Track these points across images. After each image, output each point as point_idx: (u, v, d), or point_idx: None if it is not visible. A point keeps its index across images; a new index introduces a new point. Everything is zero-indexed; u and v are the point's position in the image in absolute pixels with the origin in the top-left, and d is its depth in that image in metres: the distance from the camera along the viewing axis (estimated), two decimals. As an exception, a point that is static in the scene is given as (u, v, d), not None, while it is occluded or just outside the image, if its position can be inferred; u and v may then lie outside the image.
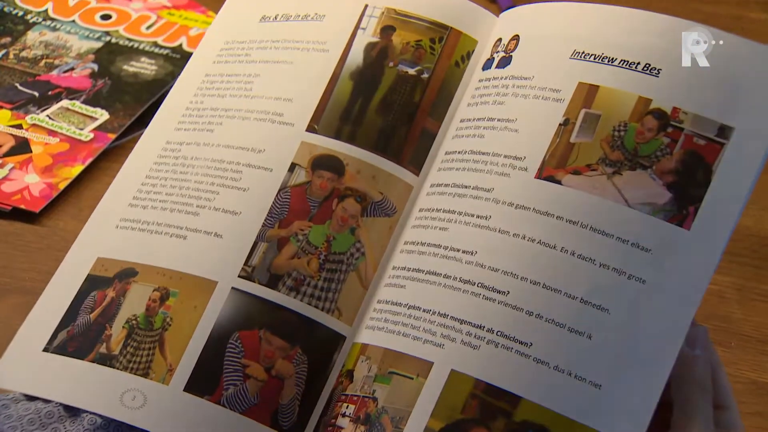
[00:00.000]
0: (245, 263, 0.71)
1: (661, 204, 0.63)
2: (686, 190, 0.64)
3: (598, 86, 0.67)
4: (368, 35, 0.76)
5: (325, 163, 0.73)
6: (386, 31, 0.76)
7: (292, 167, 0.73)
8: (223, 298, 0.70)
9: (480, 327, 0.63)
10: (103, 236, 0.75)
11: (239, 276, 0.71)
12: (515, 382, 0.61)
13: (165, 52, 1.16)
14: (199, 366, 0.69)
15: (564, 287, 0.62)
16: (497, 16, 0.76)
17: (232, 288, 0.71)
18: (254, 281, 0.71)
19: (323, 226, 0.72)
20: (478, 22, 0.76)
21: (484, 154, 0.68)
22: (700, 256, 0.62)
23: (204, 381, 0.69)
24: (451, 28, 0.76)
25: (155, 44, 1.17)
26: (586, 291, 0.62)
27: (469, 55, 0.75)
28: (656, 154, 0.65)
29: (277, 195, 0.73)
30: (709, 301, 0.95)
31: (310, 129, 0.74)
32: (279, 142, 0.74)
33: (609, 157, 0.65)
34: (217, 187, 0.74)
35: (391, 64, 0.75)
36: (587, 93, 0.67)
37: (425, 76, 0.75)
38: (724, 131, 0.64)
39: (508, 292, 0.63)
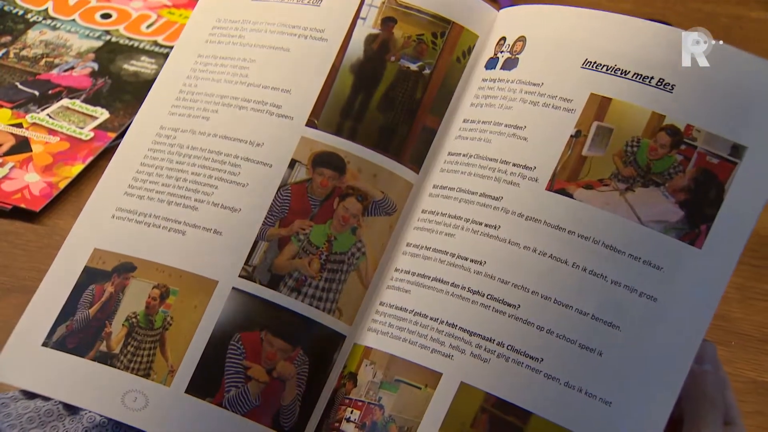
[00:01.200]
0: (246, 263, 0.70)
1: (673, 222, 0.63)
2: (698, 208, 0.63)
3: (610, 99, 0.65)
4: (368, 26, 0.74)
5: (326, 160, 0.71)
6: (387, 22, 0.74)
7: (292, 163, 0.72)
8: (223, 299, 0.69)
9: (490, 340, 0.62)
10: (99, 226, 0.73)
11: (240, 276, 0.69)
12: (526, 398, 0.60)
13: (165, 51, 1.16)
14: (200, 367, 0.68)
15: (575, 303, 0.62)
16: (497, 11, 0.75)
17: (233, 288, 0.69)
18: (255, 281, 0.69)
19: (324, 226, 0.70)
20: (480, 17, 0.74)
21: (491, 160, 0.67)
22: (711, 274, 0.62)
23: (205, 383, 0.68)
24: (453, 22, 0.74)
25: (155, 43, 1.17)
26: (597, 307, 0.61)
27: (470, 50, 0.73)
28: (669, 171, 0.64)
29: (277, 192, 0.71)
30: None
31: (310, 124, 0.73)
32: (278, 137, 0.72)
33: (622, 173, 0.64)
34: (216, 181, 0.72)
35: (392, 58, 0.74)
36: (599, 105, 0.66)
37: (427, 72, 0.73)
38: (737, 150, 0.63)
39: (519, 305, 0.62)
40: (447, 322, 0.64)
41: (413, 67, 0.74)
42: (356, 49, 0.74)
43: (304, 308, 0.69)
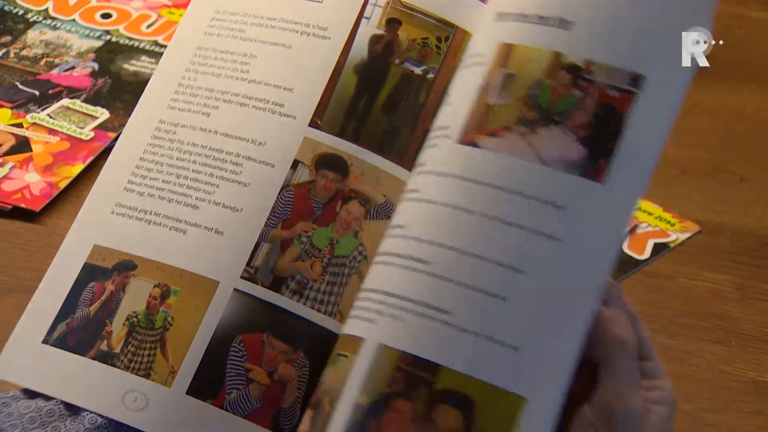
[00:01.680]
0: (248, 264, 0.69)
1: (575, 159, 0.61)
2: (599, 142, 0.61)
3: (514, 45, 0.64)
4: (373, 26, 0.73)
5: (330, 162, 0.70)
6: (392, 24, 0.73)
7: (295, 164, 0.71)
8: (225, 300, 0.68)
9: (406, 299, 0.61)
10: (99, 222, 0.72)
11: (242, 277, 0.69)
12: (436, 352, 0.59)
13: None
14: (201, 369, 0.67)
15: (481, 252, 0.60)
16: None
17: (234, 289, 0.69)
18: (257, 283, 0.69)
19: (327, 229, 0.70)
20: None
21: (429, 131, 0.66)
22: (613, 209, 0.60)
23: (207, 384, 0.67)
24: (457, 27, 0.73)
25: (155, 43, 1.17)
26: (502, 253, 0.60)
27: (473, 54, 0.73)
28: (570, 110, 0.62)
29: (279, 193, 0.70)
30: (709, 300, 0.96)
31: (313, 124, 0.71)
32: (280, 136, 0.71)
33: (525, 117, 0.62)
34: (217, 180, 0.71)
35: (396, 61, 0.73)
36: (505, 53, 0.64)
37: (431, 76, 0.73)
38: (636, 81, 0.61)
39: (431, 261, 0.61)
40: (373, 288, 0.63)
41: (417, 70, 0.73)
42: (360, 49, 0.73)
43: (305, 311, 0.68)
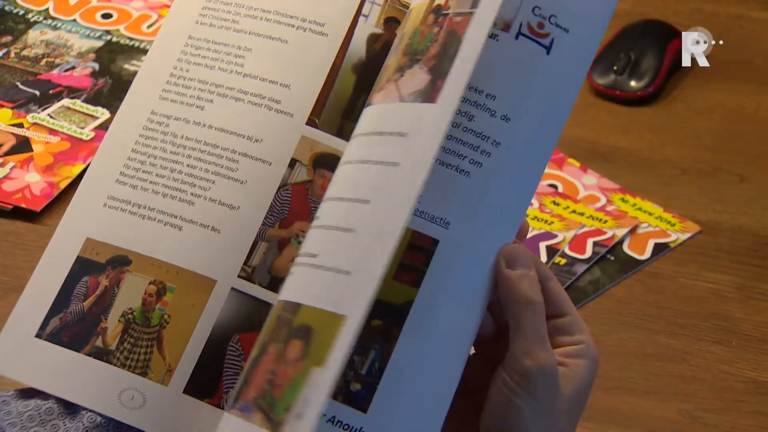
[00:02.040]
0: (245, 263, 0.68)
1: (422, 89, 0.62)
2: (440, 67, 0.62)
3: (412, 8, 0.67)
4: (371, 25, 0.72)
5: (328, 162, 0.69)
6: (390, 23, 0.72)
7: (293, 163, 0.70)
8: (222, 299, 0.68)
9: (302, 255, 0.63)
10: (90, 214, 0.71)
11: (239, 276, 0.68)
12: (297, 292, 0.61)
13: (166, 51, 1.15)
14: (198, 368, 0.67)
15: (344, 194, 0.62)
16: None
17: (232, 288, 0.68)
18: (254, 282, 0.68)
19: (324, 229, 0.70)
20: None
21: None
22: (441, 124, 0.60)
23: (204, 383, 0.66)
24: (455, 25, 0.73)
25: (156, 43, 1.16)
26: (356, 190, 0.62)
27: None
28: (428, 45, 0.64)
29: (277, 192, 0.69)
30: (709, 300, 0.96)
31: (311, 123, 0.70)
32: (278, 134, 0.70)
33: (400, 65, 0.64)
34: (213, 176, 0.70)
35: (395, 60, 0.73)
36: (405, 17, 0.67)
37: (429, 75, 0.73)
38: (475, 1, 0.62)
39: (321, 216, 0.63)
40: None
41: (416, 70, 0.72)
42: (358, 48, 0.72)
43: (303, 310, 0.68)
